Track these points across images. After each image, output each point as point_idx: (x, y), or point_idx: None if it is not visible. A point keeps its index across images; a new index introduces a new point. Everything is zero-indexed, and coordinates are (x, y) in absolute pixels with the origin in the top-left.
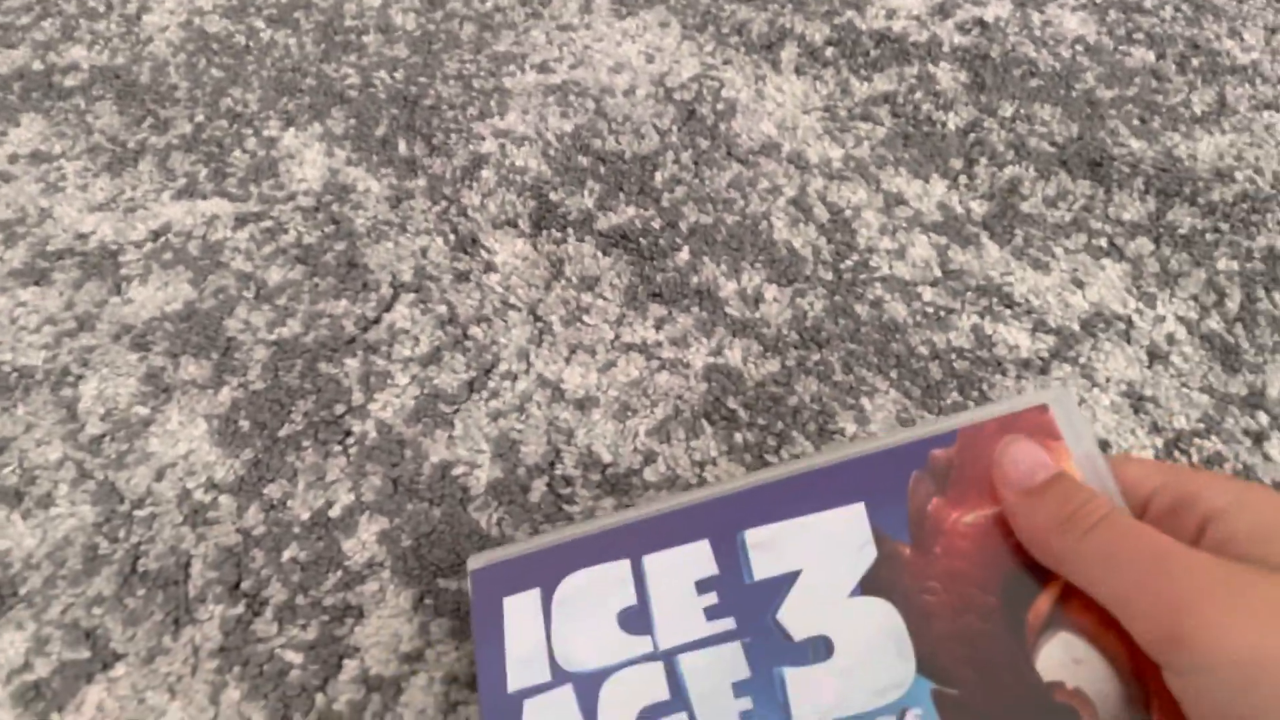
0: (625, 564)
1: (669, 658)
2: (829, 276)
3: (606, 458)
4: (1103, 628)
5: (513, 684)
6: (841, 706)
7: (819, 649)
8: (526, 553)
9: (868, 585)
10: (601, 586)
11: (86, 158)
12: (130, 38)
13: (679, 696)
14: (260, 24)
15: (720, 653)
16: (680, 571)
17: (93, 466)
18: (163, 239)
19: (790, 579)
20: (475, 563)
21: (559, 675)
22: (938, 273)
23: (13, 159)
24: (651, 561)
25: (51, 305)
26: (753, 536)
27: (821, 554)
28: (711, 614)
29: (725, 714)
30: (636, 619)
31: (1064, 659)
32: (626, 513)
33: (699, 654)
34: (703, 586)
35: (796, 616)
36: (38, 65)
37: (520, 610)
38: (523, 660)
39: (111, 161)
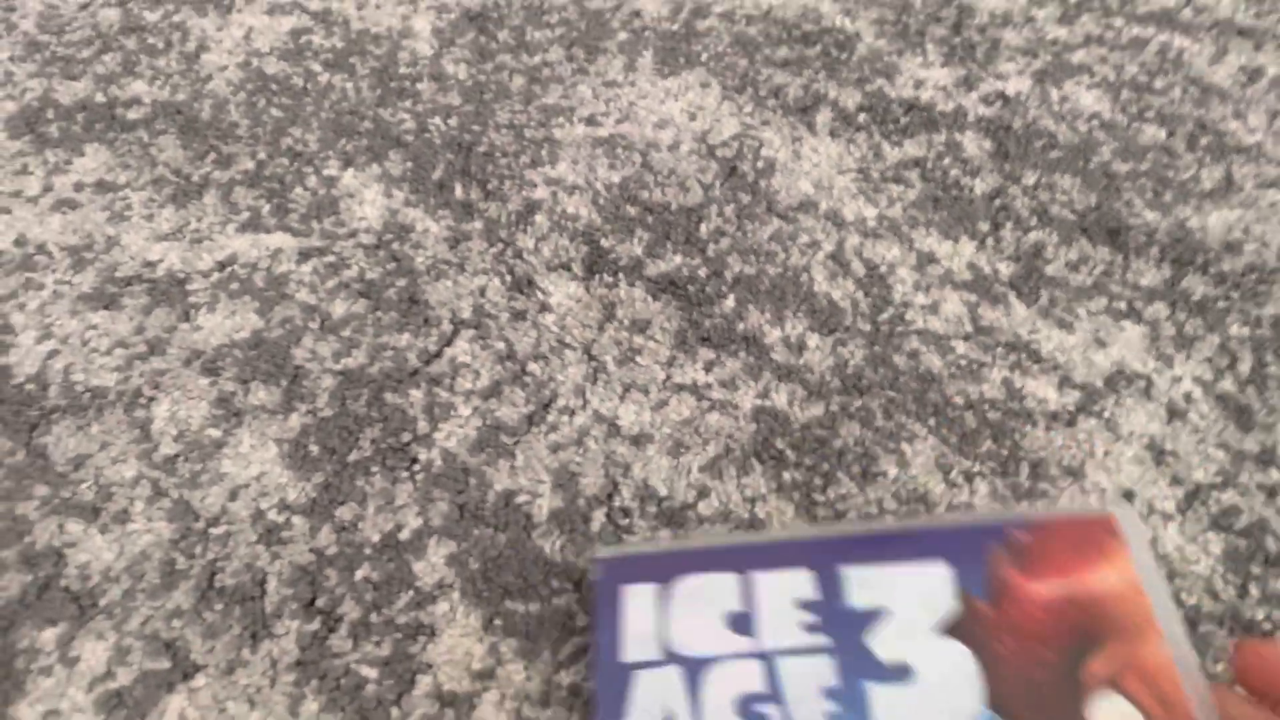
0: (734, 576)
1: (768, 658)
2: (867, 328)
3: (662, 491)
4: (1150, 700)
5: (626, 656)
6: None
7: (901, 673)
8: (647, 553)
9: (947, 629)
10: (712, 591)
11: (151, 189)
12: (190, 75)
13: (774, 691)
14: (317, 67)
15: (814, 661)
16: (784, 590)
17: (167, 485)
18: (229, 269)
19: (881, 612)
20: (602, 553)
21: (669, 656)
22: (969, 328)
23: (79, 187)
24: (759, 577)
25: (122, 329)
26: (852, 572)
27: (910, 597)
28: (808, 629)
29: (813, 713)
30: (741, 622)
31: (1112, 714)
32: (736, 535)
33: (795, 659)
34: (803, 605)
35: (884, 643)
36: (100, 98)
37: (638, 598)
38: (638, 639)
39: (176, 193)
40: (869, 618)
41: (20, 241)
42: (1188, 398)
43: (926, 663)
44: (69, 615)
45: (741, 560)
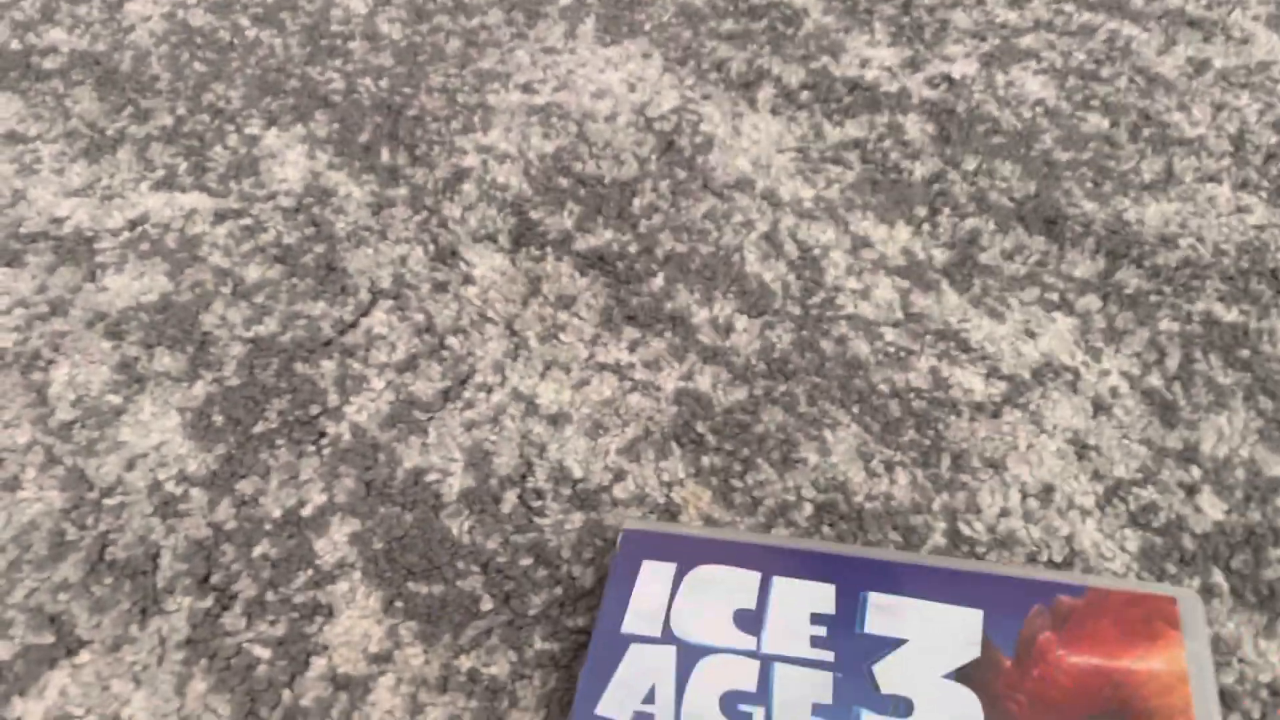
0: (755, 575)
1: (766, 661)
2: (797, 311)
3: (578, 473)
4: None
5: (626, 627)
6: None
7: (900, 707)
8: (676, 534)
9: (961, 675)
10: (729, 584)
11: (64, 142)
12: (112, 24)
13: (763, 693)
14: (245, 22)
15: (813, 675)
16: (801, 599)
17: (62, 452)
18: (140, 229)
19: (896, 643)
20: (630, 524)
21: (668, 636)
22: (900, 315)
23: None
24: (779, 581)
25: (24, 288)
26: (876, 598)
27: (931, 635)
28: (816, 643)
29: None
30: (749, 620)
31: None
32: (767, 535)
33: (794, 668)
34: (816, 619)
35: (890, 674)
36: (15, 45)
37: (654, 574)
38: (642, 614)
39: (89, 148)
40: (880, 645)
41: None
42: (1114, 392)
43: (929, 703)
44: None
45: (767, 561)
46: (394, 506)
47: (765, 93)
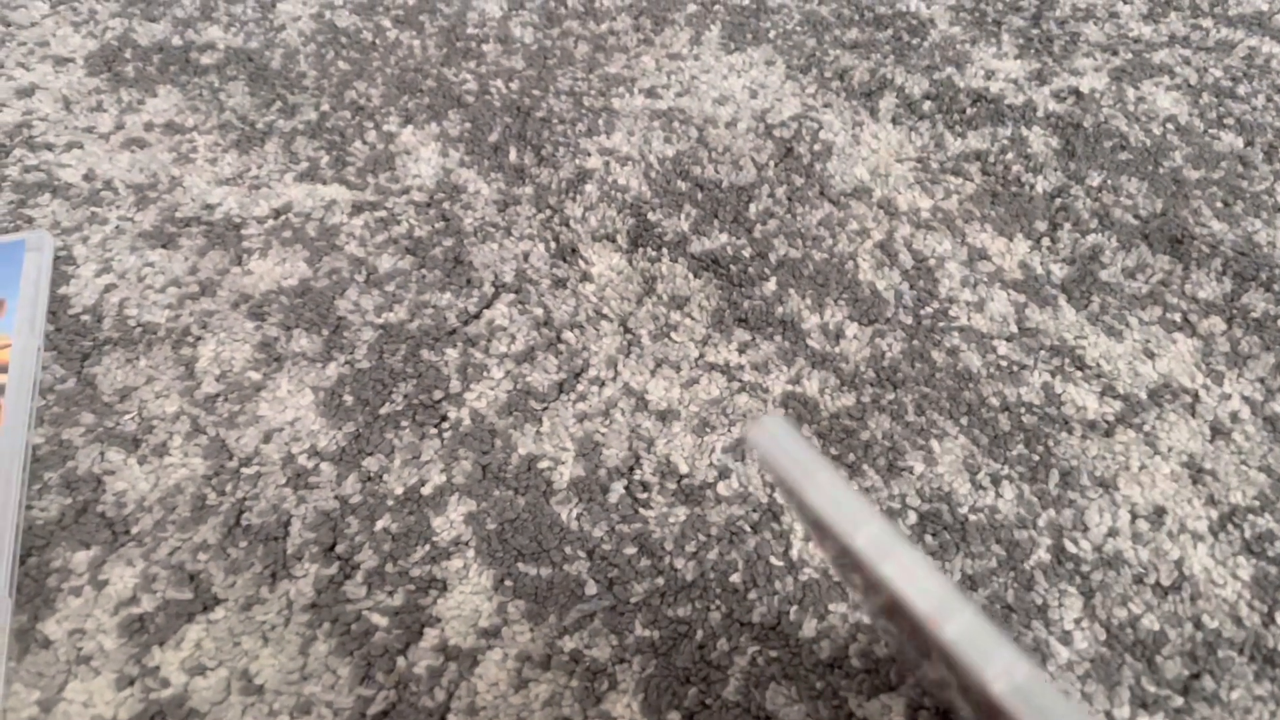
0: None
1: None
2: (909, 321)
3: (683, 469)
4: None
5: None
6: None
7: None
8: None
9: None
10: None
11: (217, 133)
12: (264, 23)
13: None
14: (387, 23)
15: None
16: None
17: (206, 423)
18: (283, 217)
19: None
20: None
21: None
22: (1014, 329)
23: (148, 127)
24: None
25: (177, 268)
26: None
27: None
28: None
29: None
30: None
31: None
32: None
33: None
34: None
35: None
36: (176, 41)
37: None
38: None
39: (240, 139)
40: None
41: (89, 176)
42: (1234, 417)
43: None
44: (102, 540)
45: None
46: (508, 490)
47: (887, 102)
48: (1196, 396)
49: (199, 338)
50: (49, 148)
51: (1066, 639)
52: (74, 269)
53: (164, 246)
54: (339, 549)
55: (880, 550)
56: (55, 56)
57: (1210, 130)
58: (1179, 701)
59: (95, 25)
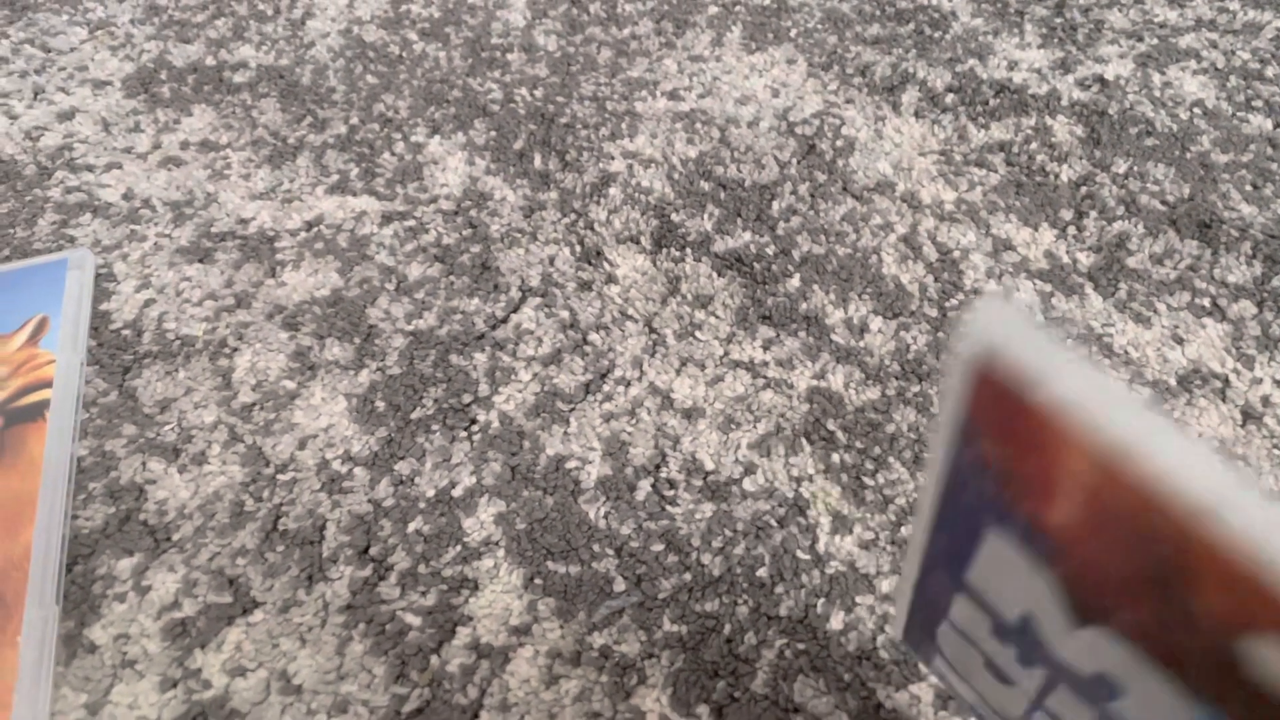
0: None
1: None
2: (934, 313)
3: (709, 465)
4: None
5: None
6: None
7: None
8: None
9: None
10: None
11: (250, 149)
12: (294, 41)
13: None
14: (414, 36)
15: None
16: None
17: (243, 431)
18: (315, 229)
19: None
20: (895, 630)
21: None
22: (1040, 318)
23: (184, 145)
24: None
25: (213, 282)
26: None
27: None
28: None
29: None
30: None
31: None
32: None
33: None
34: None
35: None
36: (210, 61)
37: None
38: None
39: (272, 154)
40: None
41: (128, 195)
42: (1265, 401)
43: None
44: (145, 547)
45: None
46: (536, 490)
47: (909, 96)
48: (1227, 381)
49: (235, 349)
50: (89, 169)
51: None
52: (115, 285)
53: (200, 261)
54: (373, 551)
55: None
56: (94, 80)
57: (1238, 113)
58: None
59: (132, 49)
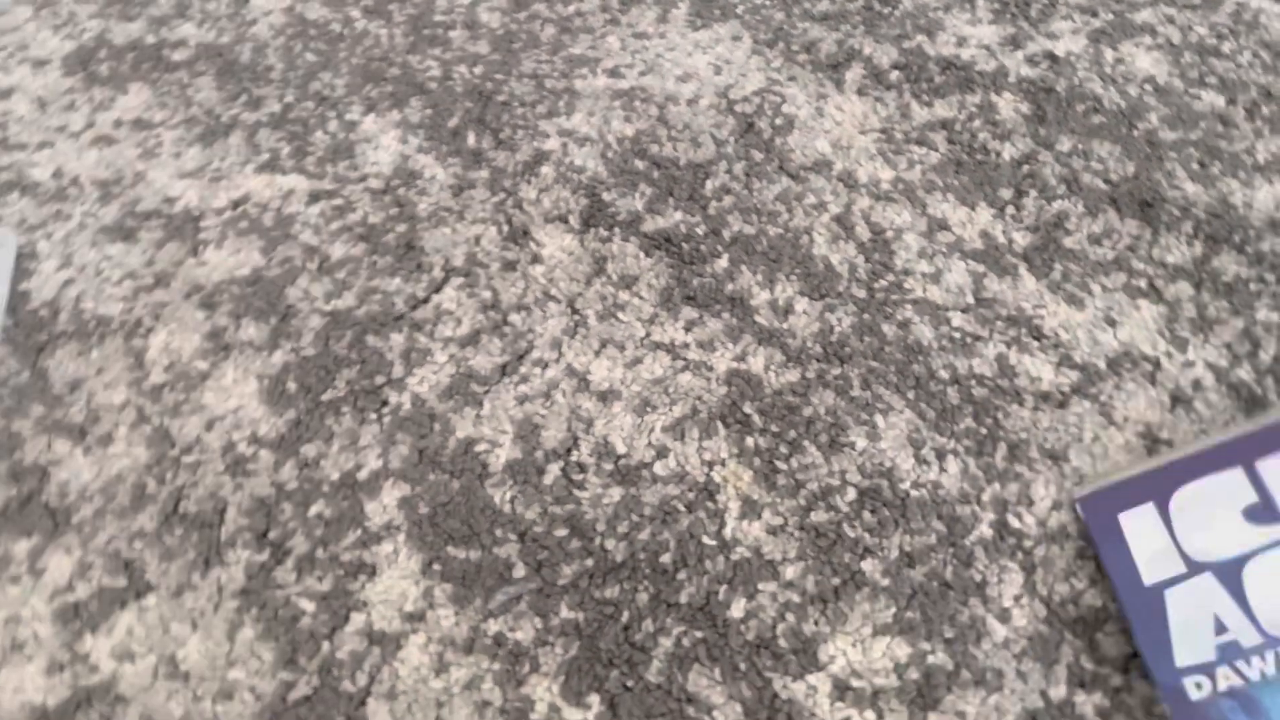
0: (1238, 470)
1: None
2: (861, 294)
3: (620, 449)
4: None
5: (1149, 579)
6: None
7: None
8: (1127, 478)
9: None
10: (1219, 491)
11: (183, 128)
12: (237, 19)
13: None
14: (356, 13)
15: None
16: None
17: (151, 412)
18: (241, 208)
19: None
20: (1080, 492)
21: (1194, 566)
22: (970, 300)
23: (117, 124)
24: (1266, 464)
25: (134, 262)
26: None
27: None
28: None
29: None
30: (1263, 513)
31: None
32: (1227, 431)
33: None
34: None
35: None
36: (150, 39)
37: (1138, 521)
38: (1153, 561)
39: (205, 133)
40: None
41: (57, 174)
42: (1196, 385)
43: None
44: (43, 529)
45: (1241, 452)
46: (443, 474)
47: (854, 73)
48: (1158, 364)
49: (150, 329)
50: (21, 148)
51: (1004, 616)
52: (36, 265)
53: (124, 240)
54: (272, 535)
55: None
56: (34, 59)
57: (1190, 90)
58: (1118, 680)
59: (74, 27)
